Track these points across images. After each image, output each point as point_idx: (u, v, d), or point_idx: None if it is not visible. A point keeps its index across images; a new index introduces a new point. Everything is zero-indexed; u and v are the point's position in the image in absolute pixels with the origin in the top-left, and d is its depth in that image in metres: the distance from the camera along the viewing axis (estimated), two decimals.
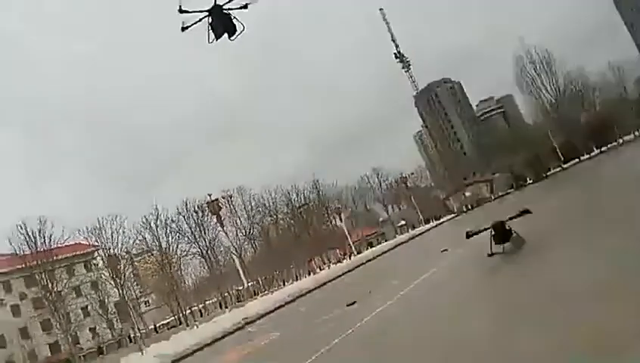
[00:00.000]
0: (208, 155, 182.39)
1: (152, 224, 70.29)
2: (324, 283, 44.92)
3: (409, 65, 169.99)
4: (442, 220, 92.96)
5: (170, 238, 72.40)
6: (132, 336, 61.39)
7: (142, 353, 28.87)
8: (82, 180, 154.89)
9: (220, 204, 72.34)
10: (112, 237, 62.94)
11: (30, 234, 57.80)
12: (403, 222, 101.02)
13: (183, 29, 16.21)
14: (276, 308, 35.84)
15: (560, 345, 5.95)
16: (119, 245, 63.99)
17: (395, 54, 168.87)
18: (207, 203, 71.65)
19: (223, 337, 28.34)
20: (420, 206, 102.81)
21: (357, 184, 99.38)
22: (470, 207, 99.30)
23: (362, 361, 9.84)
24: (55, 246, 59.08)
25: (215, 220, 72.40)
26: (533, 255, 13.30)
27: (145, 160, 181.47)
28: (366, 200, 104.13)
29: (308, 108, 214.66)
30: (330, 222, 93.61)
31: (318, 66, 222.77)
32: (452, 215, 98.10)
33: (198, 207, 74.53)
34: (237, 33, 15.66)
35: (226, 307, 63.15)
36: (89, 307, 66.30)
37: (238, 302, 67.35)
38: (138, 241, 68.78)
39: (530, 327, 7.14)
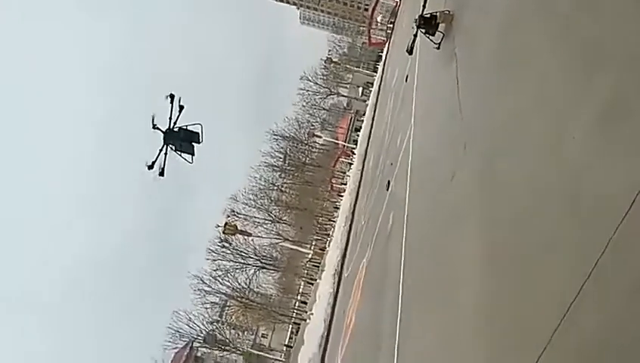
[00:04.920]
0: None
1: (205, 287, 70.11)
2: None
3: None
4: (383, 57, 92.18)
5: (231, 281, 72.40)
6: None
7: None
8: None
9: (231, 223, 72.62)
10: (194, 327, 63.07)
11: None
12: (361, 89, 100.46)
13: (150, 166, 16.59)
14: None
15: None
16: (202, 326, 64.60)
17: None
18: (223, 232, 71.99)
19: None
20: (359, 63, 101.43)
21: (299, 100, 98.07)
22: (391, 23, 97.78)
23: None
24: None
25: (240, 238, 73.03)
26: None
27: None
28: (319, 103, 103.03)
29: None
30: (315, 148, 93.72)
31: None
32: (386, 46, 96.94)
33: (220, 241, 74.37)
34: (200, 135, 16.64)
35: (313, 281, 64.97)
36: None
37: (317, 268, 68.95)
38: (209, 312, 69.15)
39: None
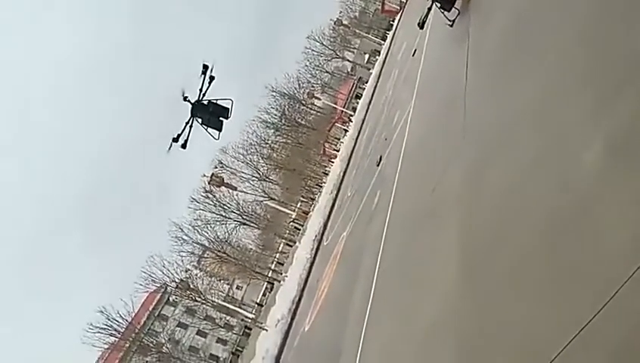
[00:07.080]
0: None
1: (184, 236, 69.18)
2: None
3: None
4: (394, 27, 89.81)
5: (210, 233, 71.41)
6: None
7: None
8: None
9: (218, 174, 71.82)
10: (167, 273, 62.36)
11: None
12: (367, 56, 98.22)
13: (175, 139, 15.85)
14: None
15: None
16: (176, 274, 64.12)
17: None
18: (208, 182, 71.25)
19: None
20: (369, 29, 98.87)
21: (303, 59, 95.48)
22: None
23: None
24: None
25: (225, 191, 72.33)
26: None
27: None
28: (323, 65, 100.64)
29: None
30: (313, 109, 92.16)
31: None
32: (399, 16, 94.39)
33: (204, 191, 73.46)
34: (229, 111, 15.78)
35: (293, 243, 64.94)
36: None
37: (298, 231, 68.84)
38: (184, 261, 68.49)
39: None
